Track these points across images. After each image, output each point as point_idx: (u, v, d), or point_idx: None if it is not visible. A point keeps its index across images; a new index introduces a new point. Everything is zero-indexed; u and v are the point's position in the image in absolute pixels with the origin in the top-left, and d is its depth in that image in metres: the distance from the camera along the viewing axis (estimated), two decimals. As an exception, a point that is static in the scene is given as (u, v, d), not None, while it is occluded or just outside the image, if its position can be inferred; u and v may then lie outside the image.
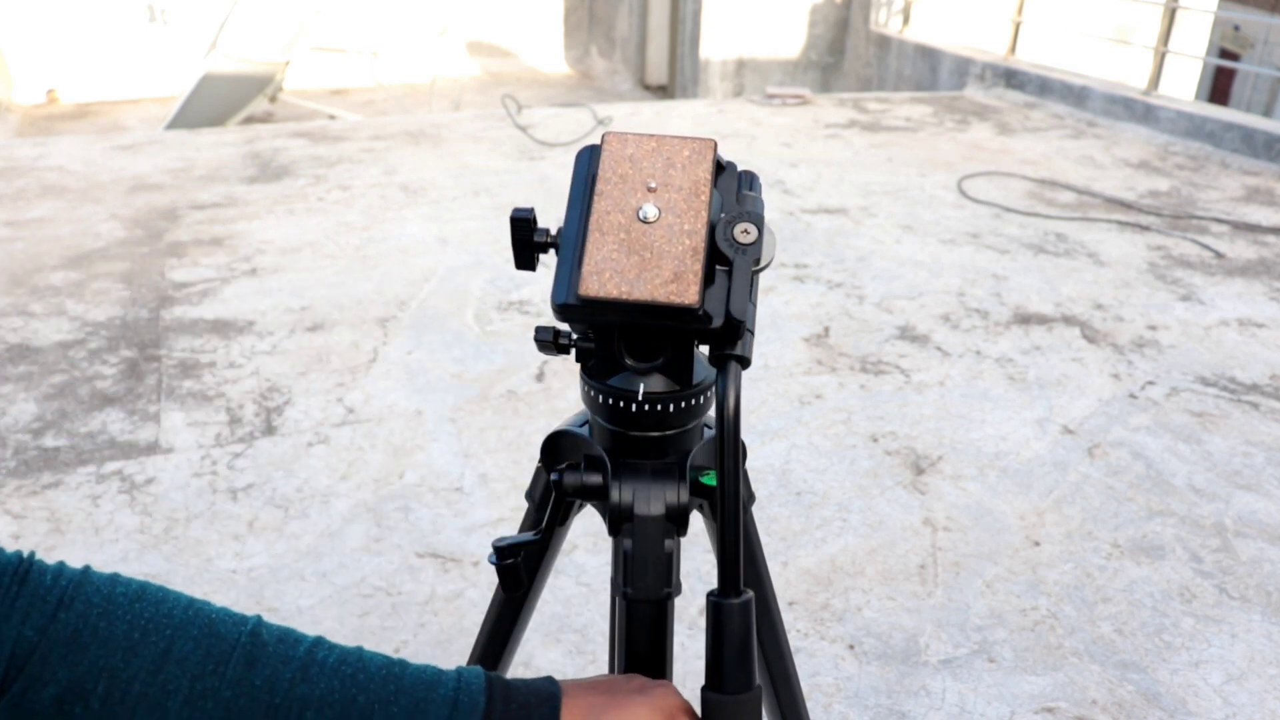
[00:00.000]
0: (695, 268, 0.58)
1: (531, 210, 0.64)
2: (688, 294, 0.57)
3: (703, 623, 1.71)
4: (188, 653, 0.49)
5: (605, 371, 0.67)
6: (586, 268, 0.59)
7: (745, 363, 0.58)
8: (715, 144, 0.61)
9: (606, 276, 0.59)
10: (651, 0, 10.39)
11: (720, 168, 0.63)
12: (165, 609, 0.50)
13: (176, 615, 0.50)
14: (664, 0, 10.12)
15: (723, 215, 0.60)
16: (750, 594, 0.57)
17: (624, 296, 0.58)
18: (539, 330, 0.66)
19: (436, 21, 11.17)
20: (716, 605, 0.56)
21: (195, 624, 0.50)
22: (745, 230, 0.58)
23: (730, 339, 0.58)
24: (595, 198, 0.61)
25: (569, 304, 0.59)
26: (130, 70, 10.15)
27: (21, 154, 4.79)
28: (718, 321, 0.58)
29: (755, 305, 0.60)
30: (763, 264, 0.59)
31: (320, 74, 10.67)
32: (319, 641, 0.52)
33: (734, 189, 0.62)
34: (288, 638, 0.51)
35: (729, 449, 0.55)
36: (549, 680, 0.55)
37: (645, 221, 0.60)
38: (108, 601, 0.50)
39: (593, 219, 0.61)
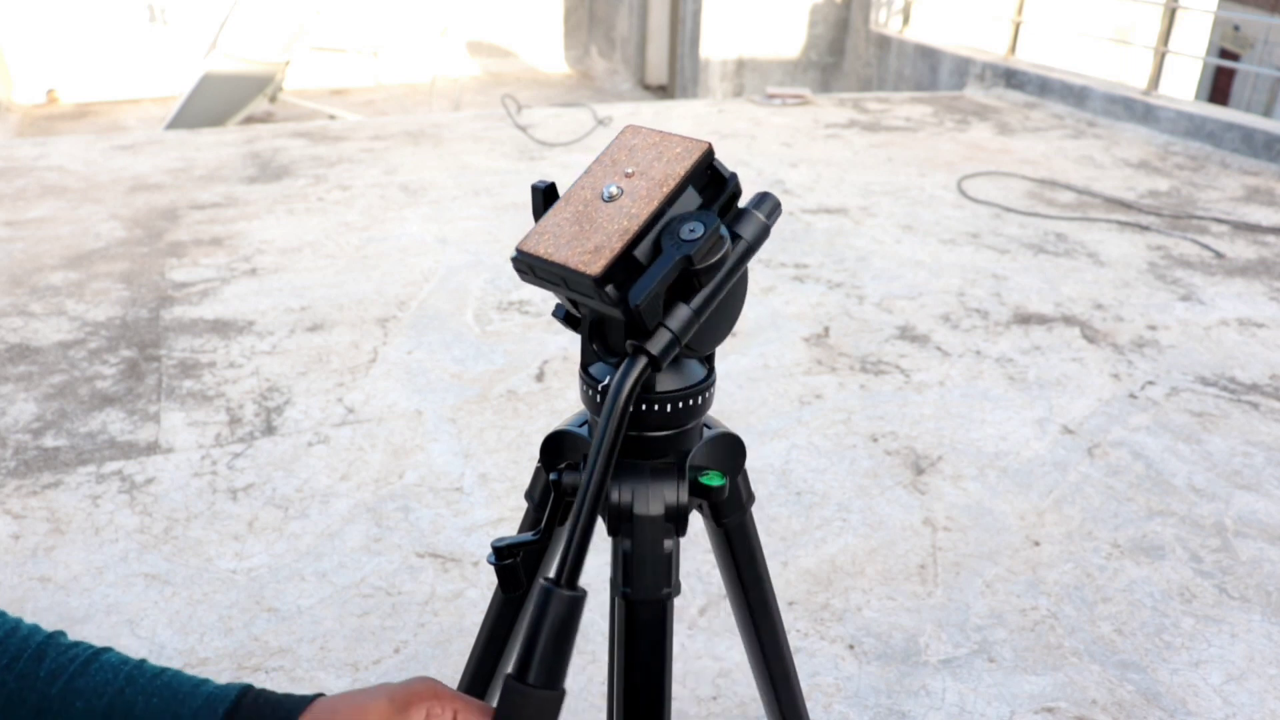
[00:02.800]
0: (616, 245, 0.58)
1: (553, 183, 0.65)
2: (594, 265, 0.58)
3: (703, 623, 1.71)
4: None
5: (586, 359, 0.69)
6: (538, 228, 0.62)
7: (651, 361, 0.58)
8: (708, 146, 0.60)
9: (546, 238, 0.61)
10: (651, 0, 10.39)
11: (716, 175, 0.62)
12: None
13: None
14: (664, 0, 10.12)
15: (680, 214, 0.60)
16: (583, 593, 0.55)
17: (546, 256, 0.60)
18: (557, 307, 0.69)
19: (436, 21, 11.17)
20: (547, 591, 0.54)
21: (2, 626, 0.55)
22: (691, 229, 0.58)
23: (641, 329, 0.58)
24: (584, 174, 0.63)
25: (514, 255, 0.63)
26: (130, 70, 10.15)
27: (21, 154, 4.79)
28: (634, 304, 0.57)
29: (694, 312, 0.59)
30: (702, 264, 0.57)
31: (320, 74, 10.67)
32: (108, 649, 0.57)
33: (718, 197, 0.61)
34: (81, 644, 0.56)
35: (605, 437, 0.55)
36: (308, 696, 0.57)
37: (605, 199, 0.61)
38: None
39: (571, 191, 0.63)
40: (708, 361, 0.70)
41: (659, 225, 0.59)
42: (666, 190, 0.60)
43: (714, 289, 0.59)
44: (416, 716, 0.57)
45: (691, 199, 0.61)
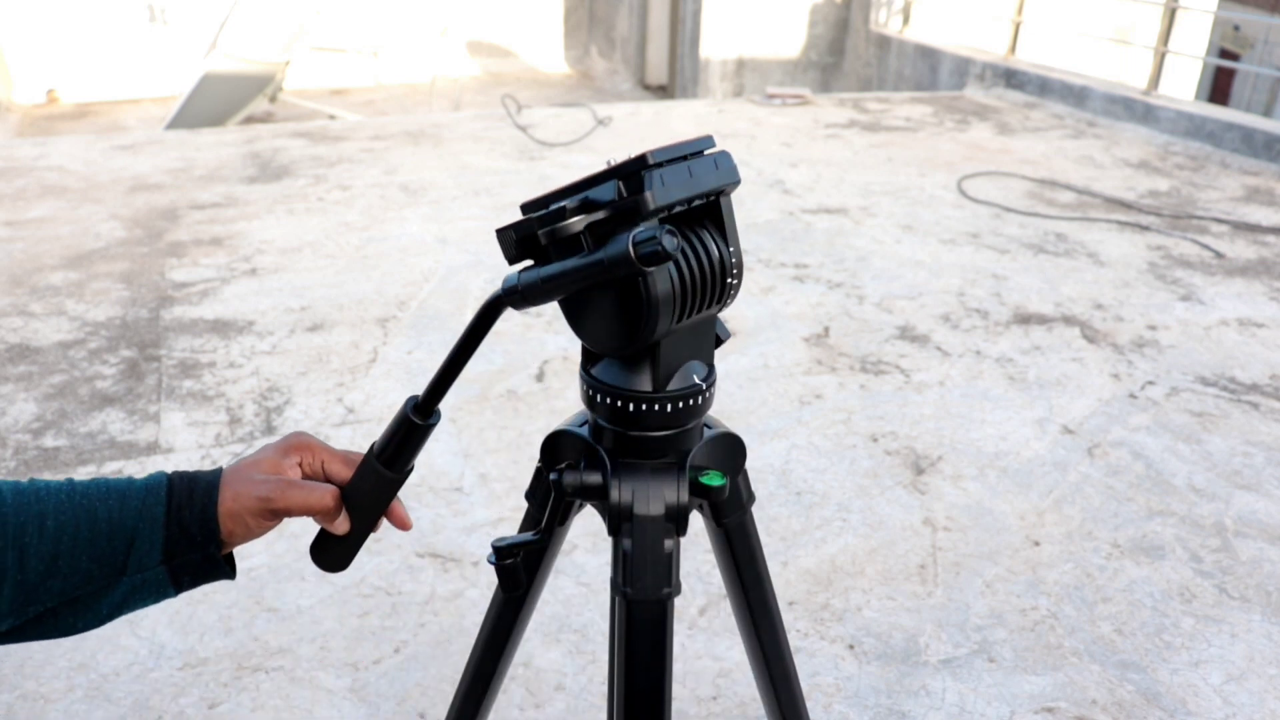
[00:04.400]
0: (540, 193, 0.69)
1: None
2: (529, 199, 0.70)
3: (703, 623, 1.71)
4: None
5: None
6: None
7: (505, 291, 0.66)
8: (642, 155, 0.64)
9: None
10: (651, 0, 10.39)
11: (640, 183, 0.64)
12: None
13: None
14: (664, 0, 10.12)
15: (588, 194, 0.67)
16: (431, 422, 0.71)
17: None
18: None
19: (436, 21, 11.17)
20: (409, 412, 0.71)
21: None
22: (560, 206, 0.65)
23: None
24: None
25: None
26: (130, 70, 10.15)
27: (21, 154, 4.79)
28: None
29: (540, 278, 0.65)
30: (541, 231, 0.65)
31: (320, 74, 10.67)
32: (34, 479, 0.68)
33: (627, 198, 0.65)
34: (9, 480, 0.67)
35: (465, 334, 0.69)
36: (217, 469, 0.72)
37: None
38: None
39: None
40: (648, 372, 0.70)
41: (574, 195, 0.66)
42: (594, 174, 0.66)
43: (564, 270, 0.64)
44: (294, 460, 0.73)
45: (610, 190, 0.65)
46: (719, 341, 0.74)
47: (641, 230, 0.60)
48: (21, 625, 0.64)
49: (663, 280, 0.65)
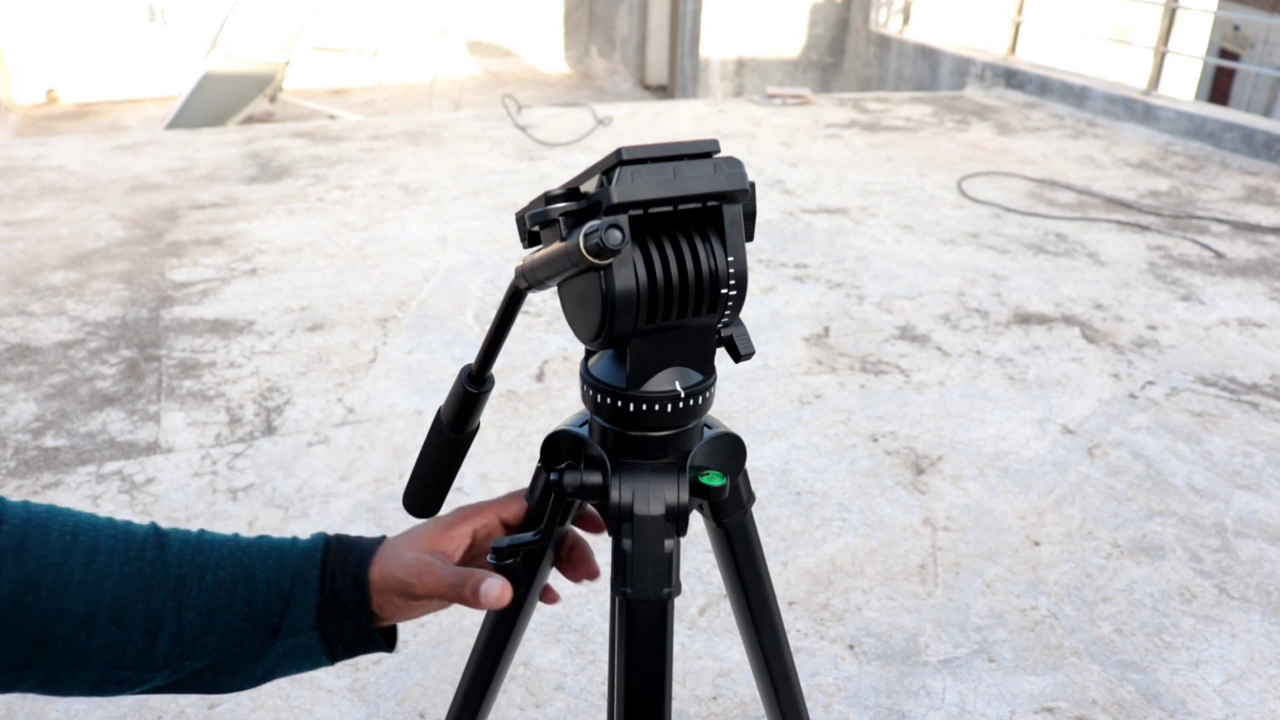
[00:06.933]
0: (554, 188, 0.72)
1: None
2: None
3: (703, 623, 1.71)
4: (112, 546, 0.62)
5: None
6: None
7: (516, 284, 0.69)
8: (616, 149, 0.65)
9: None
10: (651, 0, 10.39)
11: (607, 178, 0.65)
12: (82, 519, 0.63)
13: (95, 522, 0.63)
14: (664, 0, 10.12)
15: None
16: (484, 389, 0.76)
17: None
18: None
19: (436, 21, 11.17)
20: (464, 383, 0.76)
21: (110, 527, 0.63)
22: (546, 193, 0.68)
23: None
24: None
25: None
26: (130, 70, 10.16)
27: (21, 154, 4.79)
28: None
29: (533, 261, 0.67)
30: (525, 216, 0.68)
31: (320, 74, 10.67)
32: (204, 530, 0.68)
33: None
34: (179, 529, 0.67)
35: (498, 313, 0.71)
36: (378, 538, 0.70)
37: None
38: (29, 514, 0.61)
39: None
40: (624, 368, 0.71)
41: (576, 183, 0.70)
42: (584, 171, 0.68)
43: (540, 255, 0.66)
44: (464, 530, 0.72)
45: (593, 185, 0.66)
46: (741, 357, 0.72)
47: (592, 224, 0.60)
48: (176, 680, 0.64)
49: (624, 277, 0.64)
